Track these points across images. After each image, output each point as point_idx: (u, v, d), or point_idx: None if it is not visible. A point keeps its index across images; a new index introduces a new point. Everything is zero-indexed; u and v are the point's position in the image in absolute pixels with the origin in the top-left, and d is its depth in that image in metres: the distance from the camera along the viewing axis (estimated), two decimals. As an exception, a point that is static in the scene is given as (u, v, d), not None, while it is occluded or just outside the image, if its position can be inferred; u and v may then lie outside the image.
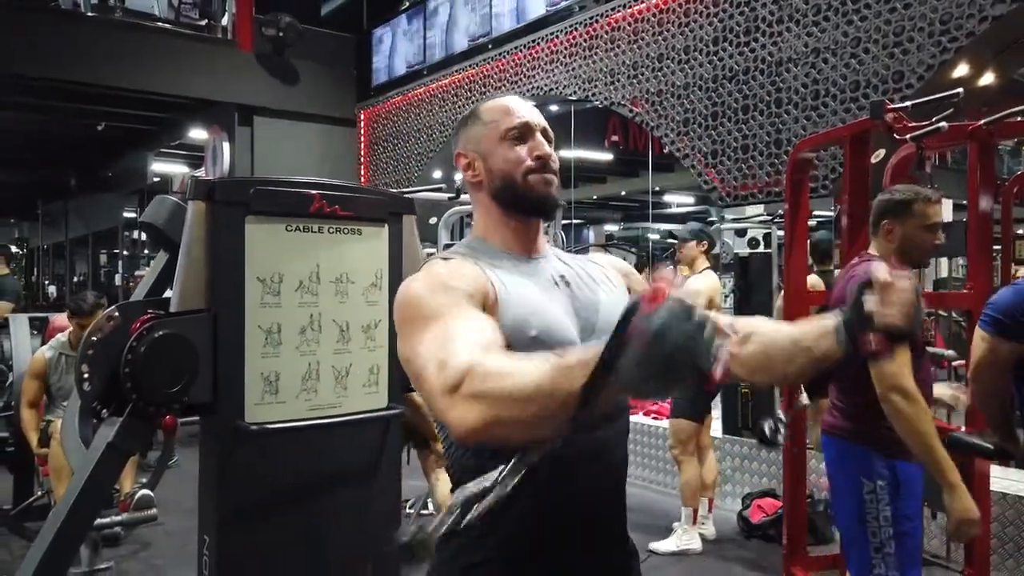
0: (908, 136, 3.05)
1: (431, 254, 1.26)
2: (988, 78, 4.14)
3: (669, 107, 5.30)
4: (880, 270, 1.13)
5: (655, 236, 16.70)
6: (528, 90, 6.35)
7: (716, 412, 4.66)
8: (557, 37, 6.17)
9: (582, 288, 1.28)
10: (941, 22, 3.84)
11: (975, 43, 3.76)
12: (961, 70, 3.97)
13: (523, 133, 1.28)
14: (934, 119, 3.14)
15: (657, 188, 16.38)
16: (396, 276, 2.28)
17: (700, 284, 4.07)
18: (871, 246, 2.50)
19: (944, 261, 7.45)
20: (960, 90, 2.92)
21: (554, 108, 7.86)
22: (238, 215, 2.02)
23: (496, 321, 1.12)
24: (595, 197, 15.63)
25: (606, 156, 12.90)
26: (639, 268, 9.82)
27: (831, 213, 5.79)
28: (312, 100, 8.78)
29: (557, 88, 6.11)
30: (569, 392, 0.82)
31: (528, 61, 6.52)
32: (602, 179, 14.57)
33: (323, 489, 2.15)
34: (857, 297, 1.14)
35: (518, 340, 1.13)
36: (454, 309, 1.08)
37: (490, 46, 7.07)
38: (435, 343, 1.02)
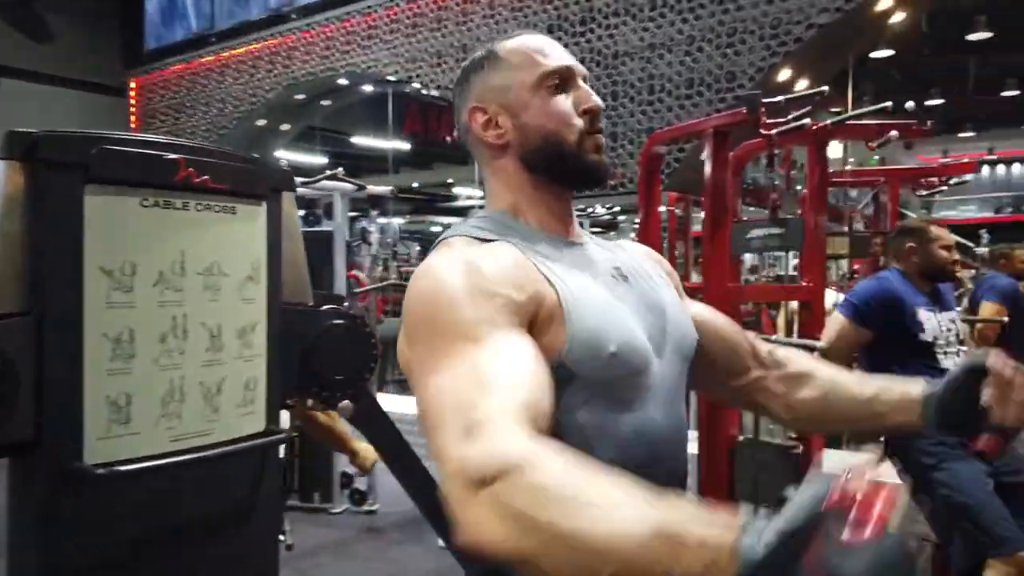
0: (774, 132, 3.12)
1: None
2: (804, 83, 4.44)
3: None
4: (1000, 361, 0.98)
5: (436, 228, 16.63)
6: (342, 67, 5.88)
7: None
8: (375, 12, 5.75)
9: (641, 284, 1.03)
10: (771, 26, 4.04)
11: (801, 48, 4.00)
12: (785, 74, 4.22)
13: (565, 80, 1.00)
14: (791, 116, 3.25)
15: (450, 180, 16.33)
16: (276, 268, 1.84)
17: None
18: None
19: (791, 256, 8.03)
20: (826, 88, 3.03)
21: (368, 89, 7.39)
22: (73, 182, 1.48)
23: (554, 336, 0.87)
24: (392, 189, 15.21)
25: (404, 146, 12.57)
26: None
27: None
28: (71, 63, 7.51)
29: (376, 67, 5.70)
30: (665, 573, 0.58)
31: (342, 35, 6.02)
32: (396, 170, 14.21)
33: (185, 543, 1.66)
34: (965, 382, 1.00)
35: (593, 359, 0.88)
36: (496, 332, 0.81)
37: (294, 16, 6.46)
38: (464, 386, 0.76)
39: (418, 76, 5.59)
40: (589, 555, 0.60)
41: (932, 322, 2.56)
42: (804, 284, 3.49)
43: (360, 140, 12.52)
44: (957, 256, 2.72)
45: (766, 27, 4.10)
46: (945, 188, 5.02)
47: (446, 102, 12.96)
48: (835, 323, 2.68)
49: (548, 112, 0.98)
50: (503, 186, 1.01)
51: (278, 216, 1.89)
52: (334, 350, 1.96)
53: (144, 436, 1.57)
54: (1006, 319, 4.09)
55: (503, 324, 0.82)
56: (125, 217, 1.56)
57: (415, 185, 15.41)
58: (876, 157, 6.44)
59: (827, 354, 2.66)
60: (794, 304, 4.39)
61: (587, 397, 0.88)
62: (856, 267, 4.92)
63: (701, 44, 4.29)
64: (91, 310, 1.49)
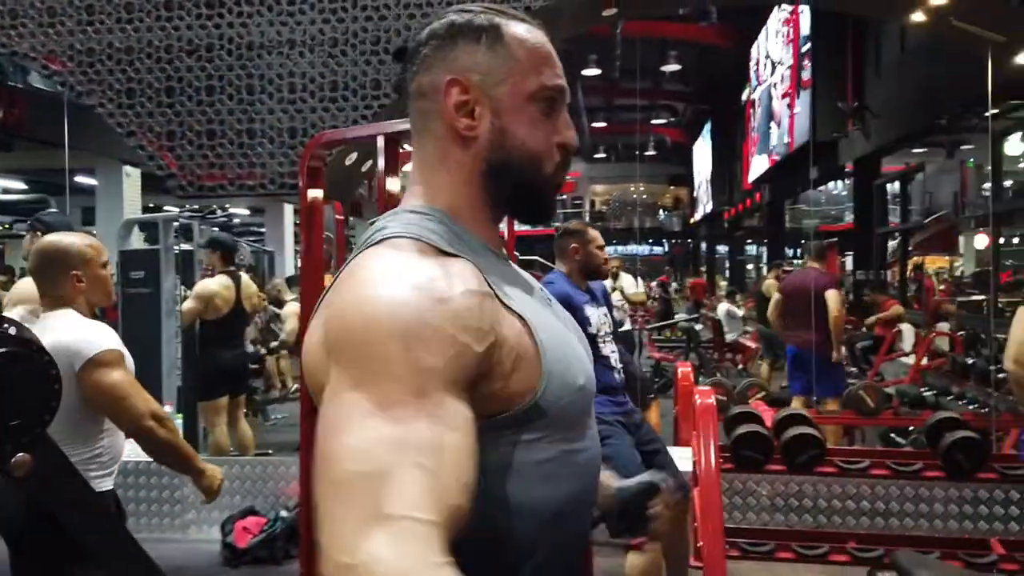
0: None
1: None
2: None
3: (106, 72, 4.39)
4: (670, 486, 1.26)
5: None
6: None
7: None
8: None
9: (556, 306, 0.99)
10: (414, 40, 4.18)
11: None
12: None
13: (558, 103, 0.91)
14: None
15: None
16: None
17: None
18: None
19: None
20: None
21: None
22: None
23: (527, 375, 0.79)
24: None
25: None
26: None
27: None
28: None
29: (-88, 15, 4.39)
30: None
31: None
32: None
33: None
34: (643, 493, 1.22)
35: (566, 395, 0.83)
36: (444, 397, 0.70)
37: None
38: (389, 459, 0.65)
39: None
40: None
41: (594, 316, 2.95)
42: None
43: None
44: (607, 256, 3.16)
45: (411, 41, 4.25)
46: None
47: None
48: None
49: (538, 133, 0.88)
50: (449, 182, 0.88)
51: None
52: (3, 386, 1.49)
53: None
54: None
55: (452, 384, 0.71)
56: None
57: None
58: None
59: None
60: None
61: (551, 433, 0.83)
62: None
63: (344, 48, 4.25)
64: None
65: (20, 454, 1.46)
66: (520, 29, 0.90)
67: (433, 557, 0.61)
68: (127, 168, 9.84)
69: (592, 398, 0.93)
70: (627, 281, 7.37)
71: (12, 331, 1.48)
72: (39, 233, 3.33)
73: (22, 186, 13.73)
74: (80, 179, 10.88)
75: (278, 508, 4.14)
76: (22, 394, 1.48)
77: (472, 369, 0.74)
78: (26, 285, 3.23)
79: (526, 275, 0.97)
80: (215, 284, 4.95)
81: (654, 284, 15.09)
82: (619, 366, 3.02)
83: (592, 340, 2.90)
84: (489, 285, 0.80)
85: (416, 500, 0.63)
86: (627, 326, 6.90)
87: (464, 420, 0.71)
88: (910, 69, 9.37)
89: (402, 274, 0.74)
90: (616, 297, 6.56)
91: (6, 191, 14.25)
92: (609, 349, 2.96)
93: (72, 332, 1.93)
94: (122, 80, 4.29)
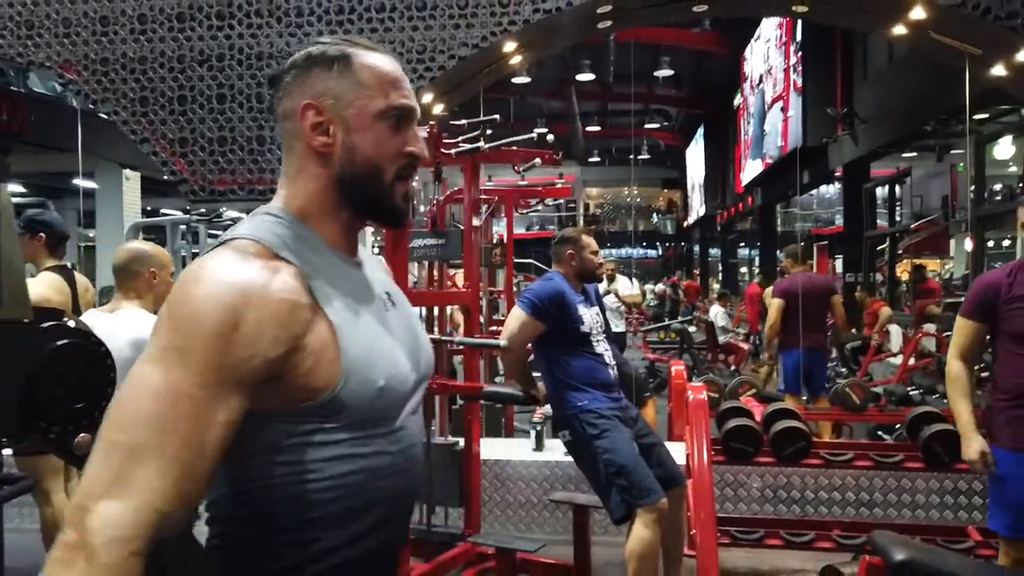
0: (453, 152, 3.42)
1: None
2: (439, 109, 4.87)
3: (121, 81, 4.54)
4: None
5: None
6: None
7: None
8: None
9: (403, 308, 1.13)
10: (418, 51, 4.35)
11: (444, 77, 4.39)
12: (426, 98, 4.57)
13: (405, 119, 1.04)
14: (460, 139, 3.60)
15: (-21, 169, 13.40)
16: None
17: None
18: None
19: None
20: (497, 116, 3.43)
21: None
22: None
23: (327, 369, 0.93)
24: None
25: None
26: None
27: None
28: None
29: (-69, 25, 4.53)
30: None
31: None
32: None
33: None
34: None
35: (364, 393, 0.96)
36: (222, 398, 0.85)
37: None
38: (158, 428, 0.82)
39: (0, 46, 4.64)
40: None
41: (587, 316, 3.12)
42: (464, 290, 3.91)
43: None
44: (602, 260, 3.32)
45: (414, 52, 4.42)
46: (541, 207, 5.98)
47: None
48: (517, 319, 3.08)
49: (380, 144, 1.01)
50: (304, 190, 1.02)
51: (-4, 214, 1.54)
52: (65, 375, 1.65)
53: None
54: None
55: (238, 384, 0.86)
56: None
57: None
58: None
59: (510, 347, 3.05)
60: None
61: (352, 424, 0.96)
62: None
63: (349, 58, 4.41)
64: None
65: (82, 434, 1.62)
66: (369, 58, 1.04)
67: (140, 544, 0.78)
68: (126, 172, 9.95)
69: (408, 395, 1.04)
70: (623, 283, 7.55)
71: (71, 324, 1.64)
72: (41, 235, 3.45)
73: (20, 189, 13.83)
74: (79, 182, 11.00)
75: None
76: (83, 380, 1.65)
77: (262, 371, 0.88)
78: (32, 286, 3.31)
79: (374, 278, 1.08)
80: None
81: (660, 286, 15.24)
82: (612, 363, 3.18)
83: (585, 339, 3.07)
84: (310, 291, 0.94)
85: (155, 486, 0.80)
86: (620, 327, 7.06)
87: (230, 419, 0.86)
88: (897, 76, 9.59)
89: (227, 279, 0.89)
90: (611, 300, 6.73)
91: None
92: (602, 347, 3.13)
93: (149, 328, 2.11)
94: (136, 89, 4.44)
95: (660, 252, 30.18)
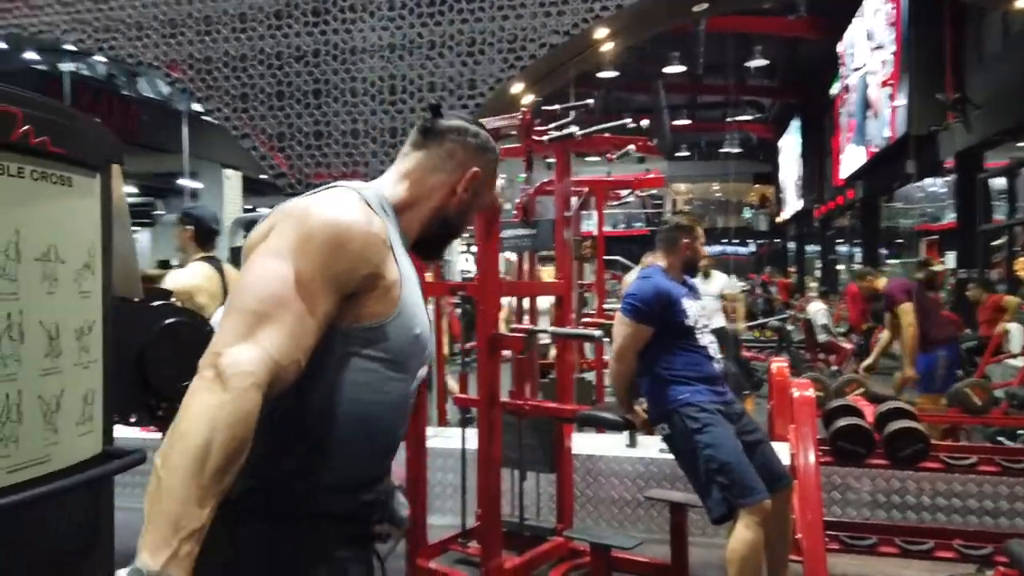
0: (547, 138, 3.36)
1: None
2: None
3: (223, 79, 4.70)
4: None
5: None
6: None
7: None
8: (49, -34, 4.85)
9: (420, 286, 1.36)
10: (508, 41, 4.32)
11: (534, 66, 4.35)
12: (517, 87, 4.54)
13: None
14: (552, 125, 3.52)
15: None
16: (109, 255, 1.52)
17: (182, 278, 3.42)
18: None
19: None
20: (591, 100, 3.34)
21: (32, 56, 6.17)
22: None
23: (389, 301, 1.18)
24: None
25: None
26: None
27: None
28: None
29: (51, 31, 4.81)
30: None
31: (0, -12, 4.97)
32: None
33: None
34: None
35: (402, 333, 1.21)
36: (329, 292, 1.10)
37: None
38: (280, 302, 1.05)
39: (112, 48, 4.87)
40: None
41: (692, 309, 2.99)
42: (558, 280, 3.82)
43: None
44: (705, 253, 3.21)
45: (504, 40, 4.38)
46: (631, 199, 5.83)
47: (102, 83, 11.38)
48: (623, 328, 2.95)
49: (467, 222, 1.41)
50: (419, 195, 1.31)
51: (109, 191, 1.57)
52: (173, 353, 1.67)
53: (-18, 470, 1.19)
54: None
55: (337, 287, 1.11)
56: (-52, 183, 1.17)
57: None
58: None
59: (621, 359, 2.95)
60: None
61: (384, 355, 1.19)
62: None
63: (442, 50, 4.41)
64: (-92, 306, 1.10)
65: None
66: (499, 172, 1.46)
67: (262, 379, 0.99)
68: (226, 171, 10.36)
69: (422, 358, 1.27)
70: (722, 280, 7.27)
71: (179, 303, 1.65)
72: (189, 227, 3.56)
73: (134, 190, 14.64)
74: (184, 182, 11.52)
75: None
76: (191, 359, 1.65)
77: (353, 283, 1.13)
78: (182, 275, 3.45)
79: (412, 261, 1.33)
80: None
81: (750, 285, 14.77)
82: (717, 356, 3.04)
83: (690, 332, 2.94)
84: (390, 242, 1.20)
85: (275, 342, 1.02)
86: (719, 323, 6.80)
87: (327, 311, 1.10)
88: (1015, 57, 8.93)
89: (341, 210, 1.15)
90: (709, 295, 6.46)
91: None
92: (707, 340, 2.99)
93: None
94: (237, 86, 4.58)
95: (754, 249, 29.31)
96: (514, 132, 3.22)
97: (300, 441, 1.16)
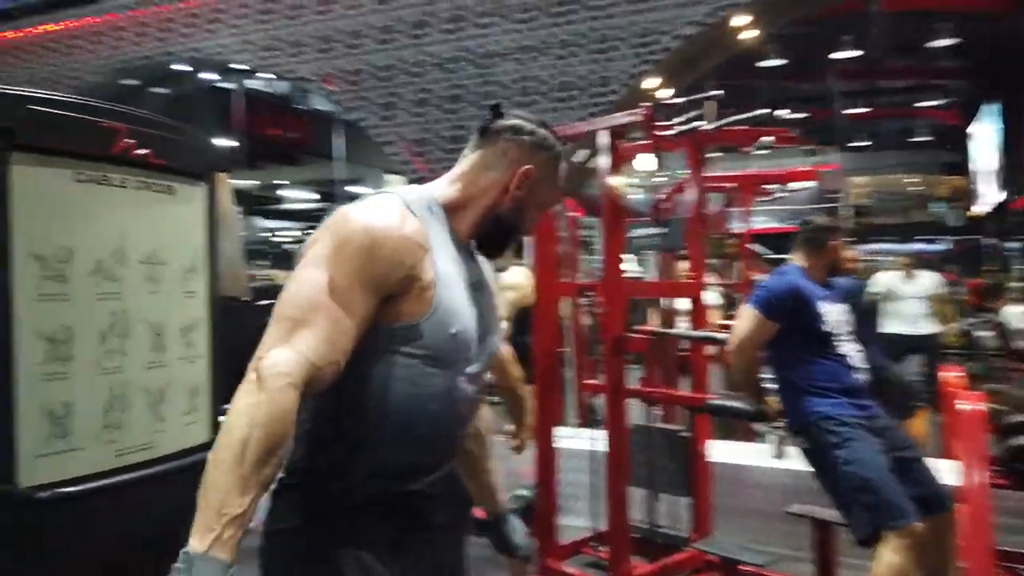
0: (673, 132, 3.24)
1: None
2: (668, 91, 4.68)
3: (369, 88, 4.95)
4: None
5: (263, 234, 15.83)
6: (183, 51, 5.39)
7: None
8: (220, -6, 5.33)
9: (487, 297, 1.39)
10: (639, 35, 4.21)
11: (668, 59, 4.21)
12: (652, 82, 4.42)
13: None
14: (677, 120, 3.38)
15: (275, 181, 15.55)
16: (215, 258, 1.63)
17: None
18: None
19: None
20: (721, 92, 3.18)
21: (206, 78, 6.84)
22: (-4, 149, 1.21)
23: (424, 301, 1.22)
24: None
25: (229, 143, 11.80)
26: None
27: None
28: None
29: (224, 53, 5.29)
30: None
31: (182, 17, 5.53)
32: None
33: (130, 570, 1.42)
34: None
35: (438, 332, 1.24)
36: (364, 295, 1.16)
37: (121, -7, 5.84)
38: (318, 311, 1.12)
39: (274, 65, 5.26)
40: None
41: (831, 314, 2.76)
42: (689, 280, 3.67)
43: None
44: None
45: (635, 36, 4.28)
46: (784, 195, 5.50)
47: (277, 98, 12.38)
48: (748, 318, 2.79)
49: (526, 219, 1.38)
50: (472, 195, 1.32)
51: (214, 198, 1.68)
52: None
53: (88, 452, 1.31)
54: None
55: (375, 289, 1.17)
56: (58, 193, 1.30)
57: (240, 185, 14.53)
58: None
59: (740, 349, 2.78)
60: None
61: (424, 353, 1.23)
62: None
63: (573, 49, 4.38)
64: (22, 302, 1.23)
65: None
66: (562, 167, 1.38)
67: (297, 379, 1.06)
68: (387, 176, 10.94)
69: (465, 357, 1.29)
70: (930, 280, 6.53)
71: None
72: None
73: (314, 196, 15.81)
74: (351, 188, 12.26)
75: (513, 488, 4.35)
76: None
77: (389, 285, 1.19)
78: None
79: (476, 264, 1.39)
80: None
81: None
82: (862, 366, 2.78)
83: (827, 339, 2.71)
84: (428, 245, 1.24)
85: (311, 345, 1.09)
86: (926, 329, 6.02)
87: (364, 313, 1.16)
88: None
89: (376, 217, 1.21)
90: (915, 298, 5.85)
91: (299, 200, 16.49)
92: (847, 348, 2.75)
93: None
94: (382, 95, 4.80)
95: (946, 246, 26.79)
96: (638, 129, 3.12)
97: (345, 430, 1.24)
